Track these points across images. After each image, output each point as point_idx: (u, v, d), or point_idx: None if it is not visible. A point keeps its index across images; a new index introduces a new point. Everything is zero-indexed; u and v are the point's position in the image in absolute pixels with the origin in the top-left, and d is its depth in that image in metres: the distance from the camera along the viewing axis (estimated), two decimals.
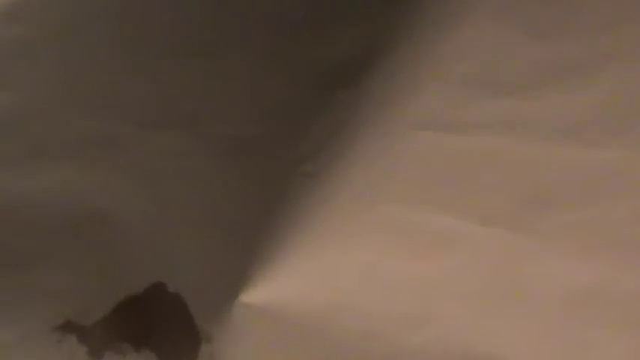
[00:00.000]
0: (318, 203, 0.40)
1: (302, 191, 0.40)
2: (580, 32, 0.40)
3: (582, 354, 0.37)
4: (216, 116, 0.41)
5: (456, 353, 0.37)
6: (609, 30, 0.40)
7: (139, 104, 0.42)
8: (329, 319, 0.38)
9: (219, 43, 0.42)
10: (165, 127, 0.42)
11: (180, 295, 0.40)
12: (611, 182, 0.38)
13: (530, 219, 0.38)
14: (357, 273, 0.39)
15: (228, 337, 0.39)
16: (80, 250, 0.41)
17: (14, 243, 0.41)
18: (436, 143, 0.40)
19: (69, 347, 0.40)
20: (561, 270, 0.38)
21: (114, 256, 0.40)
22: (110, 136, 0.42)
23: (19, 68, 0.43)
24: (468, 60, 0.40)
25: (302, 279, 0.39)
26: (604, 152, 0.39)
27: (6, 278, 0.41)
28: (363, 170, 0.40)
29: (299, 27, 0.42)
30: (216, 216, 0.40)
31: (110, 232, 0.41)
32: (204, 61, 0.42)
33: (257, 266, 0.39)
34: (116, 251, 0.40)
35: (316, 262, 0.39)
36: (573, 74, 0.39)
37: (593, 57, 0.39)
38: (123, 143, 0.42)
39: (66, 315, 0.40)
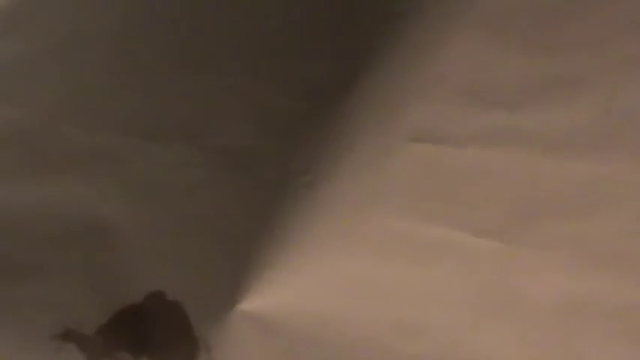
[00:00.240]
0: (313, 214, 0.40)
1: (298, 202, 0.40)
2: (569, 48, 0.40)
3: None
4: (213, 129, 0.42)
5: None
6: (598, 46, 0.40)
7: (137, 117, 0.42)
8: (325, 328, 0.38)
9: (217, 58, 0.43)
10: (164, 139, 0.42)
11: (179, 304, 0.40)
12: (603, 195, 0.39)
13: (522, 230, 0.39)
14: (352, 282, 0.39)
15: (227, 344, 0.39)
16: (80, 260, 0.41)
17: (14, 253, 0.41)
18: (429, 155, 0.40)
19: (68, 356, 0.40)
20: (553, 281, 0.38)
21: (113, 266, 0.40)
22: (109, 148, 0.42)
23: (21, 83, 0.44)
24: (461, 74, 0.41)
25: (298, 288, 0.39)
26: (595, 165, 0.39)
27: (6, 287, 0.41)
28: (357, 182, 0.40)
29: (295, 42, 0.42)
30: (213, 226, 0.40)
31: (110, 242, 0.41)
32: (203, 76, 0.43)
33: (254, 275, 0.39)
34: (115, 261, 0.41)
35: (312, 272, 0.39)
36: (563, 89, 0.40)
37: (582, 72, 0.40)
38: (122, 155, 0.42)
39: (65, 324, 0.40)
